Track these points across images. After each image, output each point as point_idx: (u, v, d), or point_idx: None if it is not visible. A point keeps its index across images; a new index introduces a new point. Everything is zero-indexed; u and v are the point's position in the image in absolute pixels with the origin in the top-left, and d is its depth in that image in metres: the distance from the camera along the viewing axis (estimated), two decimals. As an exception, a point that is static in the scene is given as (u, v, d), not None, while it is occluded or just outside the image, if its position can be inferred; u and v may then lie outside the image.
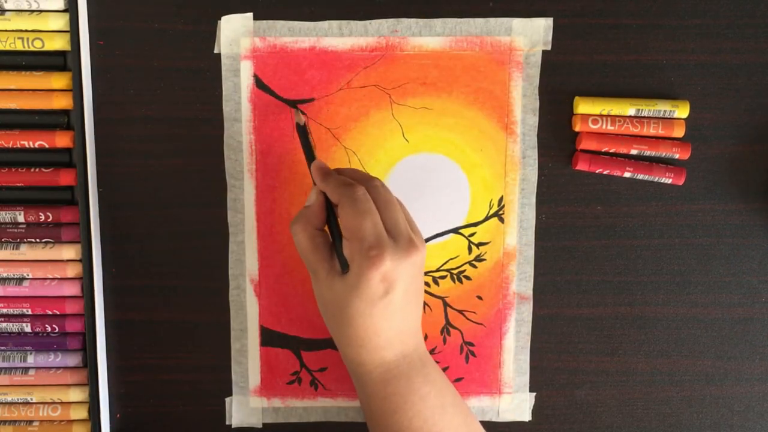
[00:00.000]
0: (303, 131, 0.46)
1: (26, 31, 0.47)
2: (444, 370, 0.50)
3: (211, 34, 0.48)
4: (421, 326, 0.44)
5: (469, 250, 0.50)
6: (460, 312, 0.50)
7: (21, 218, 0.48)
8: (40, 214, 0.48)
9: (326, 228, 0.44)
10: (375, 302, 0.40)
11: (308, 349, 0.50)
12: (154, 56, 0.48)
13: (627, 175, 0.48)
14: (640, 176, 0.48)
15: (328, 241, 0.43)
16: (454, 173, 0.49)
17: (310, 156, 0.45)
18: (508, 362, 0.50)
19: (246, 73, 0.48)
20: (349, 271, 0.41)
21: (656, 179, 0.48)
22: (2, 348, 0.49)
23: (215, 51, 0.48)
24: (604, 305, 0.50)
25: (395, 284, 0.40)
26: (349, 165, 0.49)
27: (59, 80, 0.47)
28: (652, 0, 0.48)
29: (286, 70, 0.48)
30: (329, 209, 0.43)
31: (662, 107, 0.48)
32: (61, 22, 0.47)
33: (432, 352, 0.50)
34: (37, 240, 0.48)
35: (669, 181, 0.48)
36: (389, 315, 0.41)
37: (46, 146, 0.48)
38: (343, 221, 0.41)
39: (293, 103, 0.48)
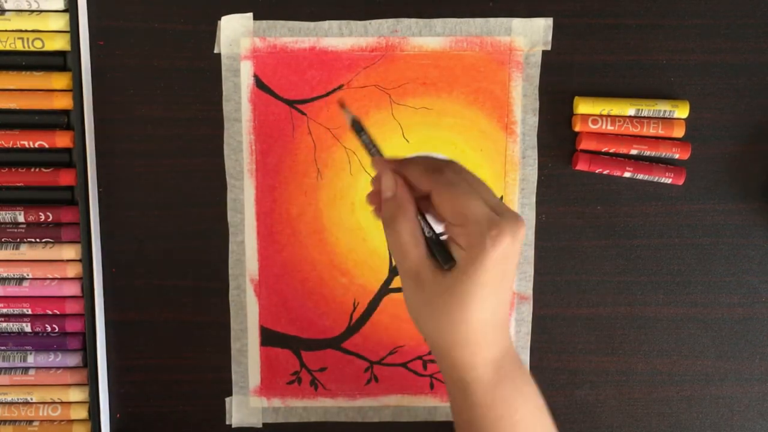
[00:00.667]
0: (358, 127, 0.40)
1: (26, 31, 0.47)
2: (444, 370, 0.50)
3: (211, 34, 0.48)
4: None
5: (469, 250, 0.50)
6: (460, 312, 0.50)
7: (21, 218, 0.48)
8: (40, 214, 0.48)
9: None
10: (496, 288, 0.36)
11: (308, 349, 0.50)
12: (154, 56, 0.48)
13: (627, 175, 0.48)
14: (640, 176, 0.48)
15: (423, 236, 0.38)
16: (454, 173, 0.49)
17: (373, 149, 0.40)
18: (508, 362, 0.50)
19: (246, 73, 0.48)
20: (462, 261, 0.36)
21: (656, 179, 0.48)
22: (2, 348, 0.49)
23: (215, 51, 0.48)
24: (604, 305, 0.50)
25: (510, 264, 0.37)
26: (349, 165, 0.49)
27: (59, 80, 0.47)
28: (652, 0, 0.48)
29: (286, 70, 0.48)
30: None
31: (662, 107, 0.48)
32: (61, 22, 0.47)
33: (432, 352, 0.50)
34: (37, 240, 0.48)
35: (669, 180, 0.48)
36: (503, 301, 0.37)
37: (46, 146, 0.48)
38: (446, 208, 0.37)
39: (293, 103, 0.48)
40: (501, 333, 0.39)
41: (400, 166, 0.39)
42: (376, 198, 0.40)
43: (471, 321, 0.37)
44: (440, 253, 0.37)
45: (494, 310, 0.37)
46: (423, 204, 0.39)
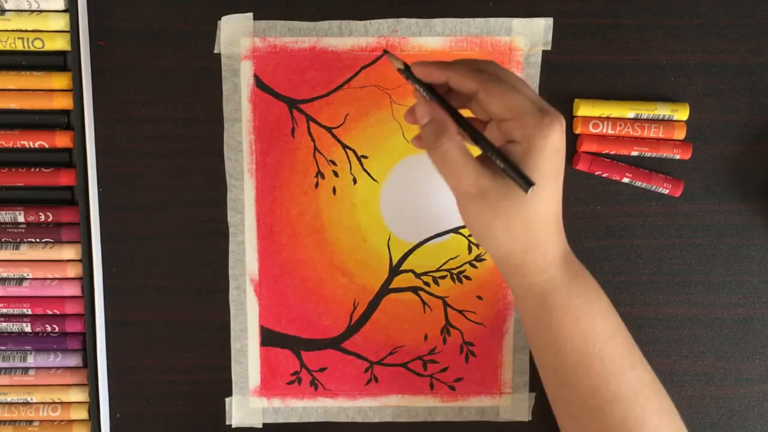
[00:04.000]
0: (408, 72, 0.40)
1: (26, 31, 0.47)
2: (444, 370, 0.50)
3: (211, 34, 0.48)
4: None
5: (469, 250, 0.50)
6: (460, 312, 0.50)
7: (21, 218, 0.48)
8: (40, 214, 0.48)
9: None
10: (554, 181, 0.37)
11: (308, 349, 0.50)
12: (154, 56, 0.48)
13: (625, 180, 0.48)
14: (638, 183, 0.48)
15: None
16: (454, 173, 0.49)
17: (426, 86, 0.39)
18: (508, 362, 0.50)
19: (246, 73, 0.48)
20: (522, 153, 0.36)
21: (653, 188, 0.48)
22: (2, 348, 0.49)
23: (215, 51, 0.48)
24: (604, 305, 0.50)
25: (562, 157, 0.37)
26: (349, 165, 0.49)
27: (59, 80, 0.47)
28: (651, 0, 0.48)
29: (286, 70, 0.48)
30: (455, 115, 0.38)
31: (662, 111, 0.48)
32: (61, 22, 0.47)
33: (432, 352, 0.50)
34: (37, 240, 0.48)
35: (666, 191, 0.48)
36: (559, 195, 0.38)
37: (46, 146, 0.48)
38: (498, 101, 0.36)
39: (293, 103, 0.48)
40: (561, 231, 0.39)
41: (444, 70, 0.38)
42: (412, 117, 0.40)
43: (539, 217, 0.37)
44: (515, 176, 0.36)
45: (556, 204, 0.38)
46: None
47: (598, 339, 0.40)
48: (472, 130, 0.38)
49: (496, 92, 0.37)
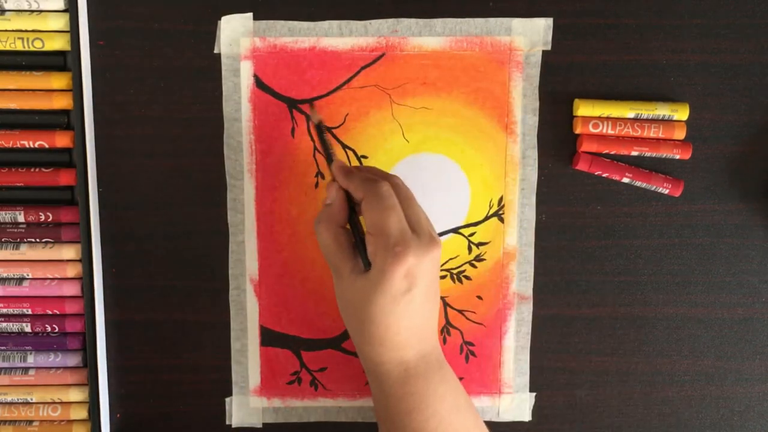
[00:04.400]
0: (320, 129, 0.45)
1: (26, 31, 0.47)
2: (444, 370, 0.50)
3: (211, 34, 0.48)
4: (437, 326, 0.44)
5: (469, 249, 0.50)
6: (460, 312, 0.50)
7: (21, 218, 0.48)
8: (40, 214, 0.48)
9: (348, 226, 0.43)
10: (397, 299, 0.40)
11: (308, 349, 0.50)
12: (154, 56, 0.48)
13: (625, 180, 0.48)
14: (638, 183, 0.48)
15: (351, 240, 0.43)
16: (454, 173, 0.49)
17: (328, 154, 0.45)
18: (508, 362, 0.50)
19: (246, 73, 0.48)
20: (372, 268, 0.40)
21: (653, 188, 0.48)
22: (2, 348, 0.49)
23: (215, 51, 0.48)
24: (604, 305, 0.50)
25: (417, 280, 0.40)
26: (348, 165, 0.49)
27: (59, 80, 0.47)
28: (652, 0, 0.48)
29: (286, 70, 0.48)
30: (350, 207, 0.43)
31: (662, 111, 0.48)
32: (61, 22, 0.47)
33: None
34: (37, 240, 0.48)
35: (666, 191, 0.48)
36: (411, 312, 0.40)
37: (46, 146, 0.48)
38: (368, 217, 0.41)
39: (293, 103, 0.48)
40: (416, 340, 0.42)
41: (345, 176, 0.43)
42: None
43: (375, 323, 0.40)
44: (363, 256, 0.41)
45: (403, 317, 0.40)
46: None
47: None
48: (352, 212, 0.43)
49: (369, 208, 0.41)
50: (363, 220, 0.42)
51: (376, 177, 0.42)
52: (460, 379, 0.51)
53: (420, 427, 0.41)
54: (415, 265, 0.40)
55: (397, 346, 0.41)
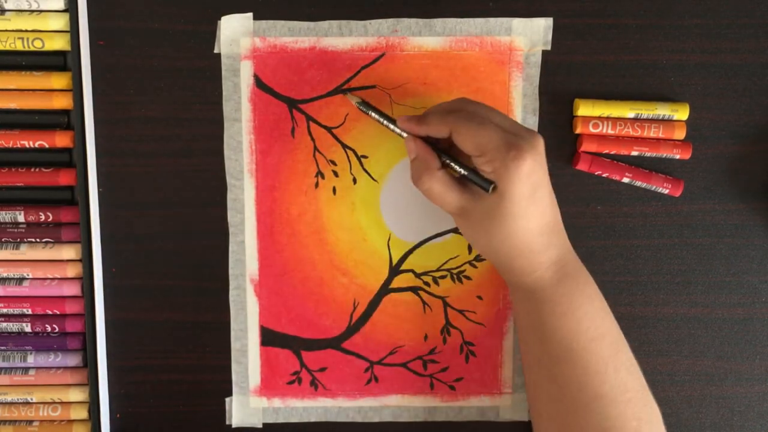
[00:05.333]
0: (366, 106, 0.46)
1: (26, 31, 0.47)
2: (444, 370, 0.50)
3: (211, 34, 0.48)
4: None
5: (469, 250, 0.50)
6: (460, 312, 0.50)
7: (21, 218, 0.48)
8: (40, 214, 0.48)
9: (440, 170, 0.43)
10: (530, 201, 0.40)
11: (308, 349, 0.50)
12: (154, 56, 0.48)
13: (626, 180, 0.48)
14: (638, 183, 0.48)
15: (453, 177, 0.43)
16: (454, 173, 0.49)
17: (389, 119, 0.45)
18: (508, 362, 0.50)
19: (246, 73, 0.48)
20: (495, 184, 0.40)
21: (653, 188, 0.48)
22: (2, 348, 0.49)
23: (215, 51, 0.48)
24: (604, 305, 0.50)
25: (540, 176, 0.40)
26: (349, 165, 0.49)
27: (59, 80, 0.47)
28: (651, 0, 0.48)
29: (286, 70, 0.48)
30: (436, 150, 0.43)
31: (662, 111, 0.48)
32: (61, 22, 0.47)
33: (432, 352, 0.50)
34: (37, 240, 0.48)
35: (666, 191, 0.48)
36: (544, 210, 0.41)
37: (46, 146, 0.48)
38: (467, 141, 0.41)
39: (293, 103, 0.48)
40: (555, 237, 0.43)
41: (419, 123, 0.43)
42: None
43: (518, 232, 0.41)
44: (479, 181, 0.41)
45: (538, 218, 0.41)
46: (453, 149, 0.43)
47: (582, 338, 0.42)
48: (444, 155, 0.43)
49: (463, 134, 0.41)
50: (460, 150, 0.42)
51: (448, 108, 0.43)
52: (460, 379, 0.51)
53: (573, 328, 0.42)
54: (533, 162, 0.40)
55: (544, 246, 0.42)
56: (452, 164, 0.43)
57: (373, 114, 0.46)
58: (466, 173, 0.42)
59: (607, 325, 0.43)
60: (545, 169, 0.41)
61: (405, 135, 0.44)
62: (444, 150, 0.43)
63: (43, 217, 0.48)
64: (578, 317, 0.42)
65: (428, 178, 0.42)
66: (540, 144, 0.41)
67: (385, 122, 0.45)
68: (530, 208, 0.40)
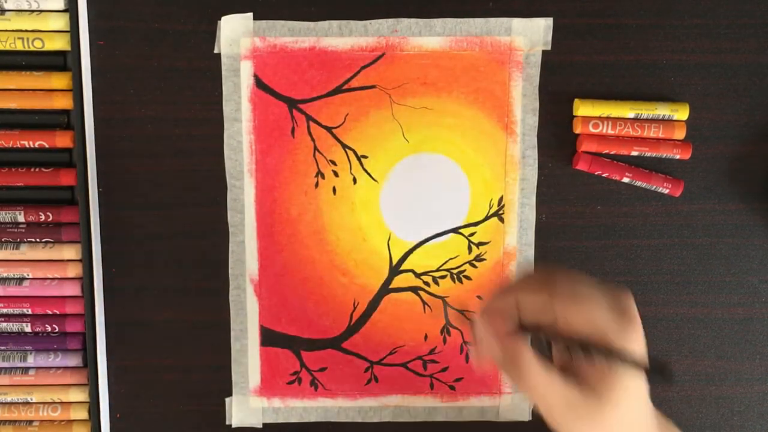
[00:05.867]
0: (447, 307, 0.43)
1: (26, 31, 0.47)
2: (444, 370, 0.50)
3: (211, 34, 0.48)
4: None
5: (469, 249, 0.50)
6: (460, 312, 0.50)
7: (21, 218, 0.48)
8: (40, 214, 0.48)
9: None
10: (631, 424, 0.35)
11: (308, 349, 0.50)
12: (154, 56, 0.48)
13: (626, 180, 0.48)
14: (638, 183, 0.48)
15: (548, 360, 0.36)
16: (454, 173, 0.49)
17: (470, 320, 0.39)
18: (508, 362, 0.50)
19: (246, 73, 0.48)
20: (595, 394, 0.34)
21: (654, 188, 0.48)
22: (2, 348, 0.49)
23: (215, 51, 0.48)
24: (604, 305, 0.50)
25: (643, 404, 0.35)
26: (349, 165, 0.49)
27: (59, 80, 0.47)
28: (651, 0, 0.48)
29: (286, 70, 0.48)
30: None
31: (662, 111, 0.48)
32: (61, 22, 0.47)
33: (432, 352, 0.50)
34: (37, 240, 0.48)
35: (666, 191, 0.48)
36: (646, 390, 0.36)
37: (46, 146, 0.48)
38: (581, 325, 0.34)
39: (293, 103, 0.48)
40: (652, 424, 0.37)
41: (507, 295, 0.36)
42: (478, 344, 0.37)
43: (624, 420, 0.35)
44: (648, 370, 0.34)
45: (644, 400, 0.35)
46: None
47: None
48: (577, 348, 0.35)
49: (574, 316, 0.34)
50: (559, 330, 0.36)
51: (544, 276, 0.36)
52: (460, 379, 0.51)
53: None
54: (635, 397, 0.34)
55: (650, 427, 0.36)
56: (549, 351, 0.36)
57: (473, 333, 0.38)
58: (634, 368, 0.34)
59: None
60: (647, 395, 0.36)
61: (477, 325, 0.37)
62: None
63: (43, 217, 0.48)
64: None
65: (527, 371, 0.34)
66: (639, 319, 0.36)
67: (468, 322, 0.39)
68: (638, 392, 0.35)
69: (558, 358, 0.37)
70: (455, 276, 0.50)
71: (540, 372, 0.34)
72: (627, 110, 0.48)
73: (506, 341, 0.35)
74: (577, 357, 0.35)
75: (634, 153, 0.48)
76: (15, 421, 0.50)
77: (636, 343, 0.34)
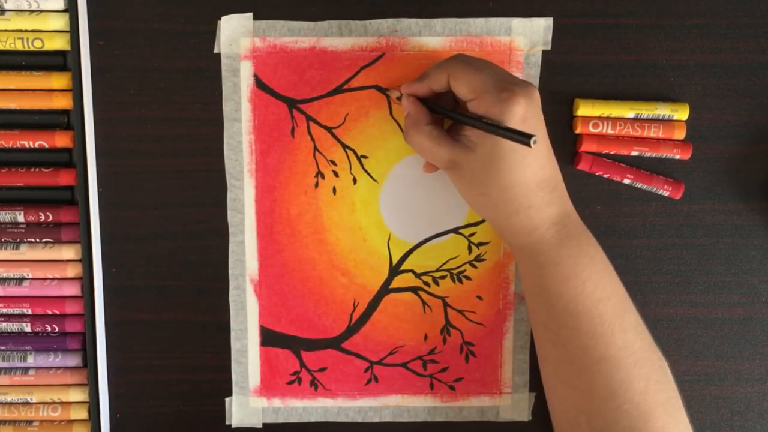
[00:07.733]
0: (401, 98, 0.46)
1: (26, 31, 0.47)
2: (444, 370, 0.50)
3: (211, 34, 0.48)
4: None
5: (469, 250, 0.50)
6: (460, 312, 0.50)
7: (21, 218, 0.48)
8: (40, 214, 0.48)
9: (429, 126, 0.43)
10: (527, 150, 0.39)
11: (308, 349, 0.50)
12: (154, 56, 0.48)
13: (626, 182, 0.48)
14: (639, 185, 0.48)
15: (444, 131, 0.43)
16: (454, 173, 0.49)
17: (431, 104, 0.44)
18: (508, 362, 0.50)
19: (246, 73, 0.48)
20: (536, 137, 0.38)
21: (654, 190, 0.48)
22: (2, 348, 0.49)
23: (215, 51, 0.48)
24: (604, 305, 0.50)
25: (535, 125, 0.40)
26: (349, 165, 0.49)
27: (59, 80, 0.47)
28: (651, 0, 0.48)
29: (286, 70, 0.48)
30: (430, 105, 0.43)
31: (662, 111, 0.48)
32: (61, 22, 0.47)
33: (432, 352, 0.50)
34: (37, 240, 0.48)
35: (666, 194, 0.48)
36: (543, 163, 0.40)
37: (46, 146, 0.48)
38: (462, 84, 0.40)
39: (293, 103, 0.48)
40: (556, 195, 0.41)
41: (420, 79, 0.43)
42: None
43: (515, 184, 0.39)
44: (517, 137, 0.38)
45: (536, 170, 0.40)
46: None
47: (587, 300, 0.41)
48: (456, 114, 0.42)
49: (460, 76, 0.41)
50: (460, 101, 0.42)
51: (446, 59, 0.43)
52: (460, 379, 0.51)
53: (577, 291, 0.41)
54: (527, 107, 0.39)
55: (544, 203, 0.41)
56: (446, 113, 0.43)
57: (424, 104, 0.45)
58: (500, 127, 0.39)
59: (612, 286, 0.42)
60: (542, 121, 0.41)
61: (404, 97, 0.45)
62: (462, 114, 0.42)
63: (43, 217, 0.48)
64: (582, 279, 0.41)
65: (416, 132, 0.42)
66: (535, 93, 0.40)
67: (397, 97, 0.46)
68: (527, 159, 0.39)
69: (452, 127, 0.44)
70: (455, 276, 0.50)
71: (428, 137, 0.42)
72: (627, 110, 0.48)
73: (412, 106, 0.43)
74: (462, 123, 0.41)
75: (634, 153, 0.48)
76: (15, 421, 0.50)
77: (509, 114, 0.38)
